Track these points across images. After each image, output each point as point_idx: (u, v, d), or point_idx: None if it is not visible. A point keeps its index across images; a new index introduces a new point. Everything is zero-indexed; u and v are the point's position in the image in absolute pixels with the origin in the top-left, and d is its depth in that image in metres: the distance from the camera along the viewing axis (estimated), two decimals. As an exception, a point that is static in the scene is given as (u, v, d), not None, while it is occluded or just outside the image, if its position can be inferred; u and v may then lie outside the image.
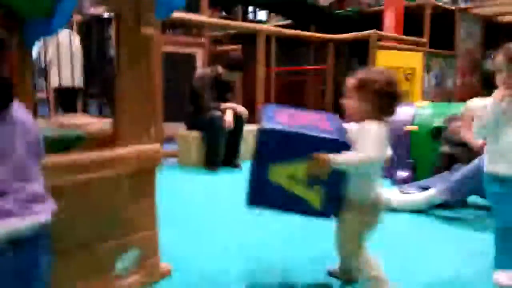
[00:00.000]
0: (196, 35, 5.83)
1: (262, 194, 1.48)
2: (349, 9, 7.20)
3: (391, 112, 1.47)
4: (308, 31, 6.51)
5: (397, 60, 5.15)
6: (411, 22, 5.95)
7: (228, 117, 3.86)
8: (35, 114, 3.03)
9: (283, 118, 1.51)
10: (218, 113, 3.87)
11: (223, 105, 3.94)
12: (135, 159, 1.49)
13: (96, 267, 1.43)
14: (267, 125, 1.45)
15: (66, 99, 4.96)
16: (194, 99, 3.99)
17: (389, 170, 3.39)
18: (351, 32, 5.50)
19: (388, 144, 1.48)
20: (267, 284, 1.67)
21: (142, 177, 1.54)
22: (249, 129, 4.42)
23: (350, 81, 1.49)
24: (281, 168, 1.43)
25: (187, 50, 5.32)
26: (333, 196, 1.47)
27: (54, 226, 1.29)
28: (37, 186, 0.94)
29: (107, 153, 1.44)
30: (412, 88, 5.19)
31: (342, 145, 1.39)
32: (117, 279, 1.49)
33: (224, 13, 9.05)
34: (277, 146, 1.43)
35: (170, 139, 4.37)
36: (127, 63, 1.48)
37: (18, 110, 0.95)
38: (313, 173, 1.40)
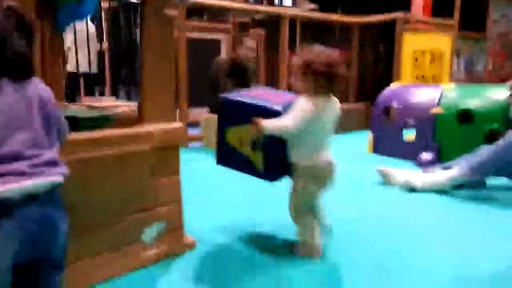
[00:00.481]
0: (221, 21, 5.86)
1: (224, 155, 1.75)
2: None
3: (328, 90, 1.60)
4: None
5: (425, 43, 5.03)
6: (441, 3, 5.78)
7: None
8: (66, 95, 3.15)
9: (247, 93, 1.77)
10: None
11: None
12: (160, 135, 1.56)
13: (124, 238, 1.51)
14: (225, 96, 1.73)
15: (85, 84, 5.19)
16: (213, 85, 4.05)
17: (414, 152, 3.36)
18: (379, 14, 5.40)
19: (323, 117, 1.59)
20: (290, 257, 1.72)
21: (167, 153, 1.61)
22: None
23: (294, 60, 1.62)
24: (233, 130, 1.68)
25: (212, 36, 5.37)
26: (273, 160, 1.65)
27: (86, 197, 1.39)
28: (51, 154, 1.00)
29: (134, 130, 1.51)
30: (440, 72, 5.07)
31: (277, 114, 1.58)
32: (144, 249, 1.57)
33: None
34: (230, 112, 1.71)
35: (196, 124, 4.45)
36: (150, 44, 1.54)
37: (38, 85, 1.03)
38: (252, 136, 1.59)
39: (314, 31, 7.60)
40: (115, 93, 5.54)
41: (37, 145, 0.98)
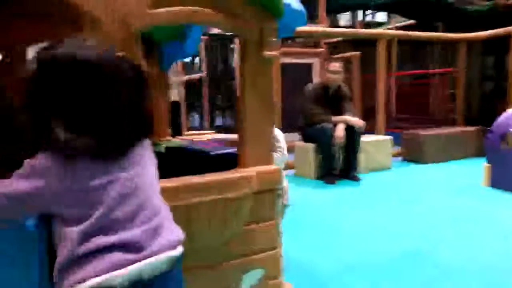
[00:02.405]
0: (312, 44, 5.82)
1: None
2: (484, 4, 6.45)
3: None
4: (434, 30, 6.02)
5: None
6: None
7: (338, 132, 3.75)
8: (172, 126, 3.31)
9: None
10: (330, 125, 3.78)
11: (334, 118, 3.84)
12: (258, 179, 1.52)
13: (224, 283, 1.48)
14: None
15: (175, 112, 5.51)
16: (304, 111, 3.97)
17: None
18: (482, 29, 4.91)
19: None
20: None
21: (265, 196, 1.56)
22: (367, 139, 4.24)
23: None
24: None
25: (304, 60, 5.34)
26: None
27: (192, 242, 1.37)
28: (165, 213, 0.90)
29: (234, 174, 1.49)
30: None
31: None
32: (241, 297, 1.52)
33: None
34: None
35: (288, 150, 4.41)
36: (250, 87, 1.51)
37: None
38: None
39: (411, 49, 7.20)
40: (212, 117, 5.78)
41: (152, 206, 0.87)
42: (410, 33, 5.10)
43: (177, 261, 0.86)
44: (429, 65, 7.33)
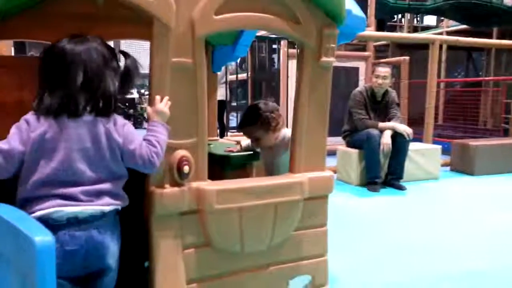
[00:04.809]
0: (360, 47, 5.73)
1: None
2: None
3: None
4: (488, 36, 5.76)
5: None
6: None
7: (385, 139, 3.66)
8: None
9: None
10: (376, 132, 3.70)
11: (381, 125, 3.75)
12: (310, 185, 1.51)
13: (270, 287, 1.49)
14: None
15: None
16: (350, 116, 3.91)
17: None
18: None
19: None
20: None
21: (316, 203, 1.55)
22: (415, 148, 4.13)
23: None
24: None
25: (350, 64, 5.26)
26: None
27: (243, 244, 1.40)
28: (109, 185, 1.12)
29: (286, 179, 1.49)
30: None
31: None
32: (288, 303, 1.52)
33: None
34: None
35: (331, 153, 4.37)
36: (306, 94, 1.51)
37: (117, 121, 1.15)
38: None
39: (461, 54, 6.93)
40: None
41: (97, 174, 1.11)
42: (465, 39, 4.89)
43: (103, 215, 1.11)
44: (480, 72, 7.04)
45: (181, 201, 1.27)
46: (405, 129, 3.73)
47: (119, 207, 1.16)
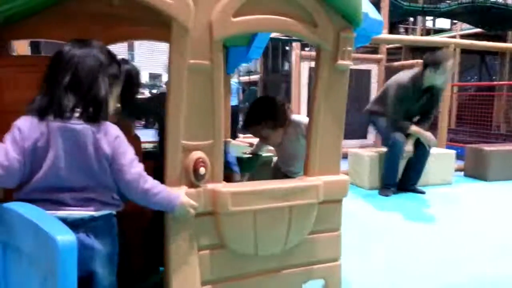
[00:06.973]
0: (372, 50, 5.69)
1: None
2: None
3: None
4: (502, 40, 5.69)
5: None
6: None
7: (408, 147, 3.61)
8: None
9: None
10: (402, 139, 3.60)
11: (412, 129, 3.62)
12: (325, 189, 1.50)
13: (282, 290, 1.48)
14: None
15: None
16: (384, 100, 3.71)
17: None
18: None
19: None
20: None
21: (330, 206, 1.54)
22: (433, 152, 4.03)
23: None
24: None
25: (363, 66, 5.23)
26: None
27: (257, 247, 1.39)
28: (98, 194, 1.11)
29: (300, 183, 1.48)
30: None
31: None
32: (300, 307, 1.51)
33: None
34: None
35: (344, 156, 4.35)
36: (323, 95, 1.50)
37: (109, 132, 1.13)
38: None
39: (474, 56, 6.84)
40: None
41: (85, 182, 1.10)
42: (480, 42, 4.83)
43: (92, 219, 1.11)
44: (493, 76, 6.95)
45: (196, 202, 1.27)
46: (430, 138, 3.62)
47: (113, 212, 1.16)
